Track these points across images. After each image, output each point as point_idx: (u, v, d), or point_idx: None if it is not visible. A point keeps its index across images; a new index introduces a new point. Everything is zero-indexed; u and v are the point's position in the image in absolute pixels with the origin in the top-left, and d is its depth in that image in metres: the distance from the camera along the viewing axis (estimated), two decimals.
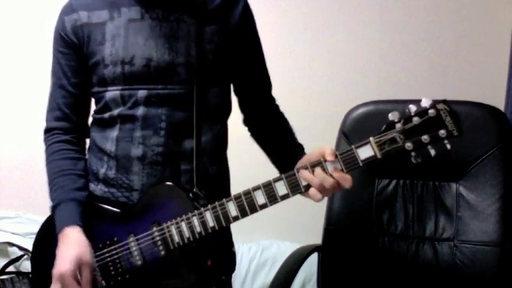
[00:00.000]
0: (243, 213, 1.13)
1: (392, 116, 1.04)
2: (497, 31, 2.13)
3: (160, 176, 1.21)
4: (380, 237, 1.63)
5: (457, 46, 2.20)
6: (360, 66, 2.29)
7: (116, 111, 1.23)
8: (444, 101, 1.02)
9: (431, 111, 1.01)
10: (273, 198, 1.11)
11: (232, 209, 1.13)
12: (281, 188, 1.10)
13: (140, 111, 1.21)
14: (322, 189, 1.08)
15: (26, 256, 2.32)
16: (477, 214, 1.53)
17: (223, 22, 1.26)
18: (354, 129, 1.66)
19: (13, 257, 2.34)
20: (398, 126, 1.03)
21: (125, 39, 1.21)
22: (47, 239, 1.27)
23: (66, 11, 1.27)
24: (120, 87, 1.22)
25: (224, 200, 1.14)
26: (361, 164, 1.07)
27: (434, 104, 1.02)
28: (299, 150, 1.28)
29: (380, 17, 2.27)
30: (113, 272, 1.21)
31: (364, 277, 1.62)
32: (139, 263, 1.19)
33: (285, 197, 1.11)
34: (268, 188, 1.11)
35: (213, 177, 1.28)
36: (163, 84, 1.21)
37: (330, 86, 2.32)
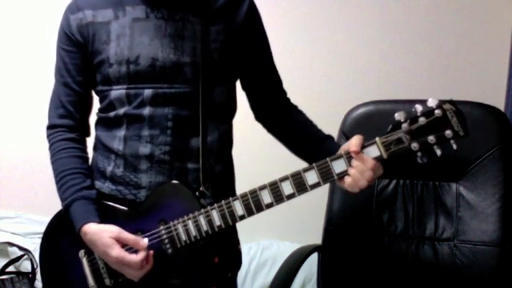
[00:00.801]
0: (249, 212, 1.14)
1: (399, 116, 1.04)
2: (497, 31, 2.13)
3: (167, 174, 1.22)
4: (380, 237, 1.63)
5: (457, 46, 2.20)
6: (360, 66, 2.29)
7: (121, 111, 1.24)
8: (450, 101, 1.02)
9: (437, 112, 1.01)
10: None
11: (238, 208, 1.14)
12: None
13: (147, 110, 1.22)
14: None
15: (26, 256, 2.33)
16: (477, 214, 1.53)
17: (228, 21, 1.26)
18: (354, 129, 1.65)
19: (13, 257, 2.34)
20: (405, 126, 1.03)
21: (130, 38, 1.22)
22: (56, 237, 1.28)
23: (72, 9, 1.27)
24: (125, 86, 1.22)
25: (230, 198, 1.15)
26: None
27: (441, 104, 1.02)
28: (327, 141, 1.28)
29: (380, 17, 2.27)
30: None
31: (364, 277, 1.62)
32: None
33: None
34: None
35: (219, 176, 1.28)
36: (169, 84, 1.22)
37: (330, 86, 2.32)
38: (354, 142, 1.09)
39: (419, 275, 1.57)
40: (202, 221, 1.16)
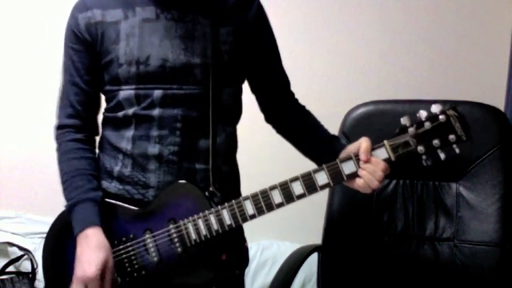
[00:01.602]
0: (260, 212, 1.16)
1: (404, 121, 1.09)
2: (497, 31, 2.13)
3: (176, 174, 1.23)
4: (380, 237, 1.63)
5: (457, 46, 2.20)
6: (360, 66, 2.29)
7: (130, 111, 1.24)
8: (454, 107, 1.08)
9: (441, 117, 1.07)
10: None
11: (249, 208, 1.16)
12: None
13: (156, 111, 1.22)
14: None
15: (26, 256, 2.32)
16: (477, 214, 1.53)
17: (238, 22, 1.27)
18: (354, 129, 1.66)
19: (13, 257, 2.34)
20: (411, 130, 1.09)
21: (140, 38, 1.22)
22: (60, 238, 1.28)
23: (79, 8, 1.27)
24: (134, 87, 1.23)
25: (241, 198, 1.17)
26: None
27: (445, 110, 1.08)
28: (334, 141, 1.30)
29: (380, 17, 2.27)
30: (128, 269, 1.22)
31: (364, 277, 1.62)
32: (155, 259, 1.21)
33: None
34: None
35: (226, 176, 1.29)
36: (179, 85, 1.22)
37: (330, 86, 2.32)
38: (363, 148, 1.12)
39: (419, 275, 1.57)
40: (213, 220, 1.18)
